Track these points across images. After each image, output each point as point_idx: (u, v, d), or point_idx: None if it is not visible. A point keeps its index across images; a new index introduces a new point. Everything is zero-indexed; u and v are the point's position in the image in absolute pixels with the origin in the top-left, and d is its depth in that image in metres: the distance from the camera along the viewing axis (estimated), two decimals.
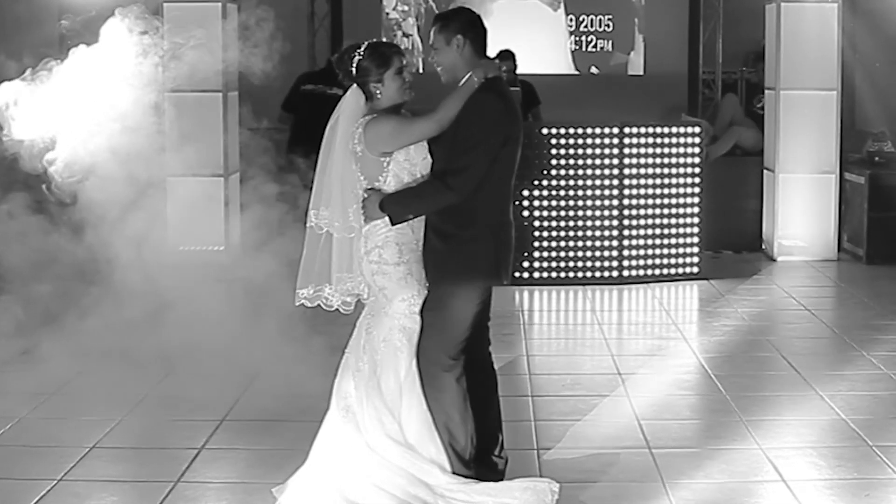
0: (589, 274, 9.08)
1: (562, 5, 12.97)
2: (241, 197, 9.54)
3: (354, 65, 4.47)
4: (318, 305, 4.62)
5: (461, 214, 4.42)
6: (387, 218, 4.41)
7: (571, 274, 9.07)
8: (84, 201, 5.89)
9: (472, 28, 4.51)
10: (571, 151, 9.03)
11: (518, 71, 10.43)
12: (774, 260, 10.12)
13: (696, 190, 9.25)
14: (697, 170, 9.25)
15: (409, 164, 4.44)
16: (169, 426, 5.60)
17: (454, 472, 4.42)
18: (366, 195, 4.45)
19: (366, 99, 4.51)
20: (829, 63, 10.12)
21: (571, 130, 9.04)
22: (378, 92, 4.47)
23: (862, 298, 8.67)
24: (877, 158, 10.42)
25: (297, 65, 7.17)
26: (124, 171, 5.89)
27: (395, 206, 4.40)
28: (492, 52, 10.38)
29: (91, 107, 5.53)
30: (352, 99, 4.54)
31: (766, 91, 10.51)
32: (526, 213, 9.03)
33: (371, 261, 4.48)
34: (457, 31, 4.47)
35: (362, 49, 4.49)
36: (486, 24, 4.57)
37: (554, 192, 9.02)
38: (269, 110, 10.37)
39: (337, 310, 4.63)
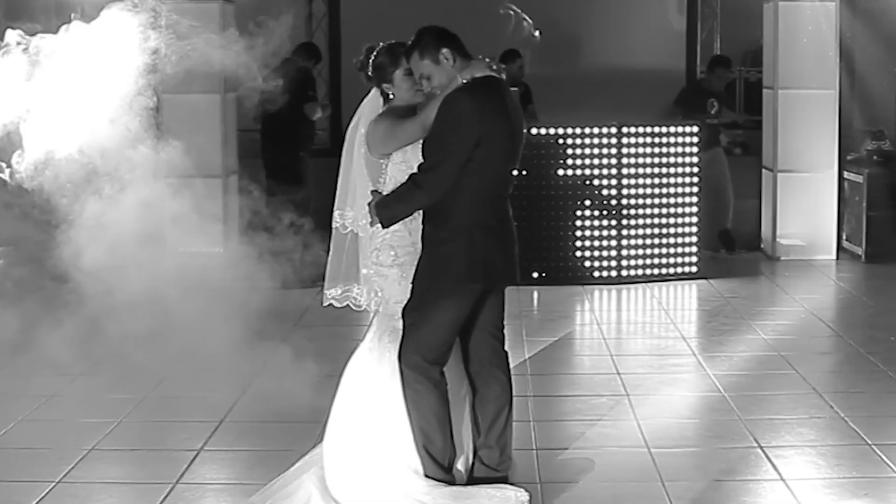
0: (587, 273, 9.09)
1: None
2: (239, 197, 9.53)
3: (371, 64, 4.51)
4: (330, 305, 4.69)
5: (437, 216, 4.40)
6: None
7: (570, 274, 9.08)
8: (77, 203, 5.86)
9: (447, 37, 4.44)
10: (569, 151, 9.02)
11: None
12: (773, 259, 10.12)
13: (695, 189, 9.25)
14: (696, 169, 9.25)
15: (405, 166, 4.44)
16: (167, 428, 5.60)
17: (427, 476, 4.39)
18: (370, 197, 4.48)
19: (384, 101, 4.55)
20: (828, 62, 10.12)
21: (569, 130, 9.04)
22: (390, 92, 4.51)
23: (861, 297, 8.67)
24: (875, 157, 10.42)
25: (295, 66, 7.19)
26: (120, 173, 5.86)
27: (381, 208, 4.41)
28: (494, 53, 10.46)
29: (82, 103, 5.38)
30: (370, 100, 4.58)
31: (765, 90, 10.50)
32: (524, 213, 9.03)
33: (372, 262, 4.55)
34: (439, 47, 4.39)
35: (378, 48, 4.54)
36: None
37: (552, 192, 9.02)
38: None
39: (350, 308, 4.71)
